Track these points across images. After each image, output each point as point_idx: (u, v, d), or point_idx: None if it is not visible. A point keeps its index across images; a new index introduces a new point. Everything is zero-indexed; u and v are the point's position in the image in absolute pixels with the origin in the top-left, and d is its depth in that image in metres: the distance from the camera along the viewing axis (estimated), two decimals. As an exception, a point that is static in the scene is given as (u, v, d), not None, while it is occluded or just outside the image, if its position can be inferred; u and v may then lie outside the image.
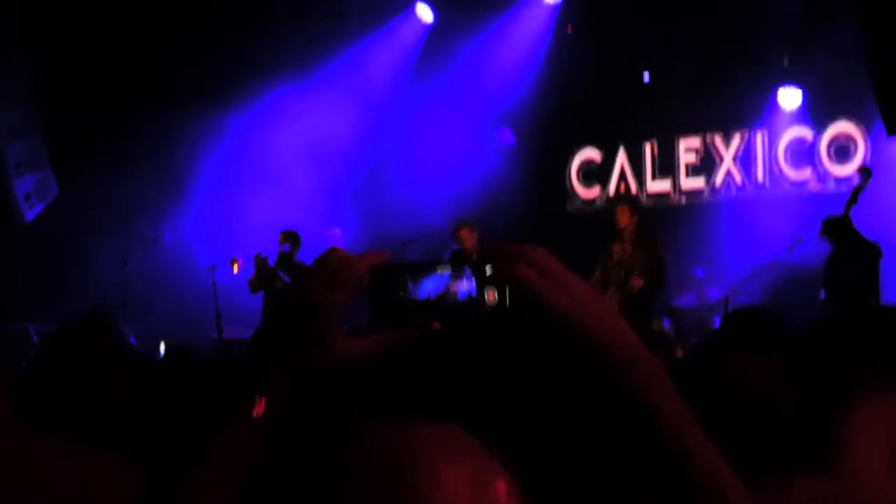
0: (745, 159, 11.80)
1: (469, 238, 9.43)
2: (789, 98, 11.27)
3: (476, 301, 1.20)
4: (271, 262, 10.11)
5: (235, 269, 10.12)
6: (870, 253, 8.47)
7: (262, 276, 10.15)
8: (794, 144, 11.50)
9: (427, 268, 1.23)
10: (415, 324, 1.21)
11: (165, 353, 4.63)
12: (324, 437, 1.03)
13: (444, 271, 1.22)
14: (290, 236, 10.26)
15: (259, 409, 1.12)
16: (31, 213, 11.41)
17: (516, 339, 1.22)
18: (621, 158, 12.52)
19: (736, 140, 11.85)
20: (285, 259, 10.14)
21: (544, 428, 1.49)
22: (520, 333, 1.25)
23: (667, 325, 9.44)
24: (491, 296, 1.19)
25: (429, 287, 1.22)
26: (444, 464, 0.97)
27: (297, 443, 1.09)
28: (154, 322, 10.42)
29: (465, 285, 1.21)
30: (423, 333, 1.21)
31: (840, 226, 8.54)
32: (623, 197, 9.53)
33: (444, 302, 1.21)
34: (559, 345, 1.10)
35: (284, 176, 11.99)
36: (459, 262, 1.19)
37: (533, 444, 1.50)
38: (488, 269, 1.19)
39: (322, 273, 1.17)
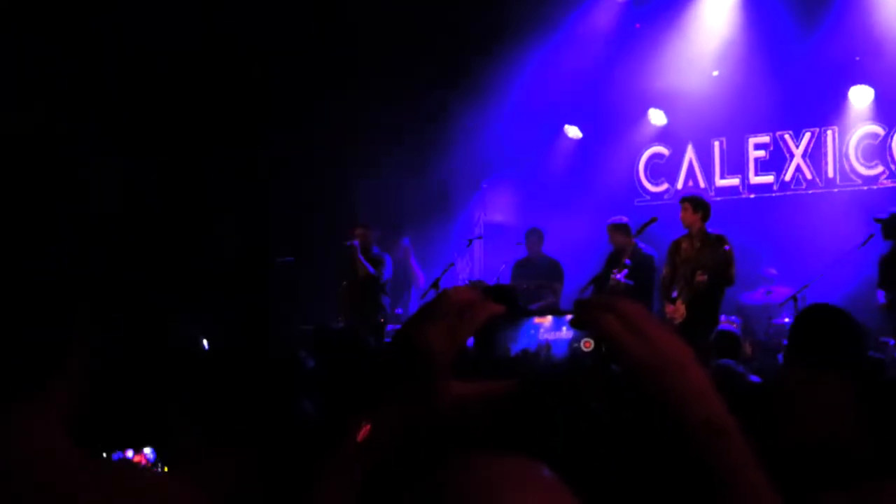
0: (814, 156, 11.68)
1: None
2: (860, 96, 11.18)
3: (569, 355, 1.24)
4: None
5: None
6: None
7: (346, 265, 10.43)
8: (865, 141, 11.35)
9: (526, 316, 1.28)
10: (503, 375, 1.26)
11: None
12: (425, 465, 1.08)
13: (542, 320, 1.27)
14: (362, 230, 10.46)
15: (363, 433, 1.21)
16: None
17: (605, 389, 1.29)
18: (690, 155, 12.53)
19: (806, 137, 11.76)
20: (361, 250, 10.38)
21: (626, 479, 1.55)
22: (610, 383, 1.25)
23: (735, 321, 9.40)
24: (588, 345, 1.24)
25: (527, 336, 1.27)
26: (528, 496, 1.03)
27: (402, 468, 1.17)
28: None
29: (563, 335, 1.25)
30: (524, 384, 1.27)
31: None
32: (687, 196, 9.46)
33: (538, 355, 1.26)
34: (640, 397, 1.12)
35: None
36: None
37: (616, 495, 1.56)
38: (576, 320, 1.21)
39: (439, 318, 1.23)
